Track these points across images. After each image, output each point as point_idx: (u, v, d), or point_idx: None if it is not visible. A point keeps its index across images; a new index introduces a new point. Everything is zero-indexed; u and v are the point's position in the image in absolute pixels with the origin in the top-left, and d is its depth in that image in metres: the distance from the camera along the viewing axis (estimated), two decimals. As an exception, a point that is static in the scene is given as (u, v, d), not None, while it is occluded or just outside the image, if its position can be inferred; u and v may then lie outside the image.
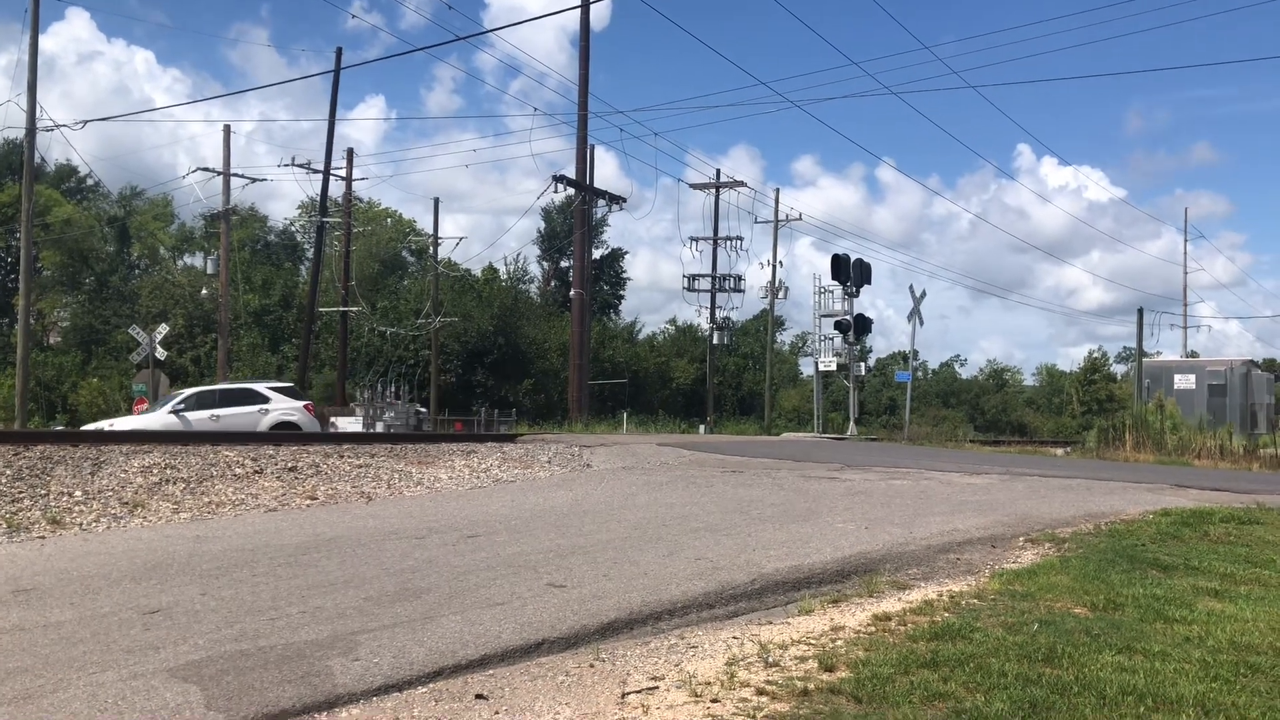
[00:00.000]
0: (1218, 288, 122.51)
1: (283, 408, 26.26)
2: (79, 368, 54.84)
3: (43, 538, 8.90)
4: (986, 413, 76.55)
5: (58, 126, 35.47)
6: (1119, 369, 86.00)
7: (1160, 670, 4.89)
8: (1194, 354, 55.56)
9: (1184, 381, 36.08)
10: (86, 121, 58.30)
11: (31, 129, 31.45)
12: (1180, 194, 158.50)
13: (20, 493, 10.14)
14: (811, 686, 4.62)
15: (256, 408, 25.92)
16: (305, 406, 27.12)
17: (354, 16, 68.63)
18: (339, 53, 38.86)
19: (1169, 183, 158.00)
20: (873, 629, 5.72)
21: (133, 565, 7.36)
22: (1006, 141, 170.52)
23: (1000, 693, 4.50)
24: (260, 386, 27.90)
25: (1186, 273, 64.01)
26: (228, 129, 42.05)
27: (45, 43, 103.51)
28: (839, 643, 5.42)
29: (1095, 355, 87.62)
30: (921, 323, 34.78)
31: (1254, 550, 8.49)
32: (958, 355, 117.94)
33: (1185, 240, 67.20)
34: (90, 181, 66.04)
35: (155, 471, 11.50)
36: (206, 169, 42.35)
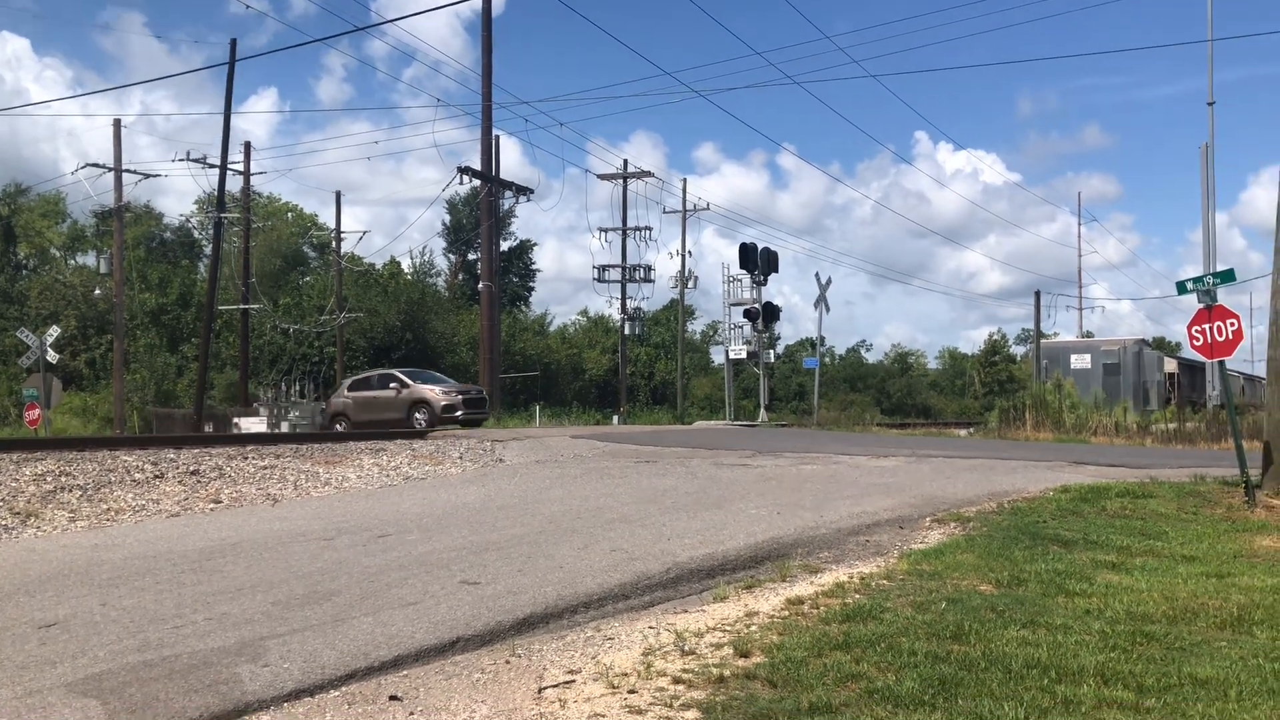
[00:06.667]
0: (1109, 269, 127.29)
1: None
2: (-35, 373, 52.59)
3: (-71, 552, 8.51)
4: (892, 396, 78.08)
5: (-65, 122, 33.79)
6: (1018, 350, 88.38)
7: (1062, 643, 5.05)
8: (1089, 334, 57.44)
9: (1080, 361, 37.31)
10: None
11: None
12: (1072, 177, 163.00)
13: (-97, 506, 9.68)
14: (727, 673, 4.66)
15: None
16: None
17: (248, 6, 66.42)
18: (233, 44, 37.68)
19: (1061, 165, 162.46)
20: (786, 613, 5.79)
21: (26, 577, 7.08)
22: (904, 128, 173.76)
23: (911, 671, 4.59)
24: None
25: (1081, 255, 65.96)
26: (118, 123, 40.71)
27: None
28: (753, 628, 5.48)
29: (995, 337, 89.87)
30: (828, 309, 35.32)
31: (1148, 523, 8.82)
32: (863, 340, 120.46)
33: (1079, 223, 69.17)
34: (-29, 179, 63.36)
35: (49, 479, 11.09)
36: (96, 165, 40.96)
